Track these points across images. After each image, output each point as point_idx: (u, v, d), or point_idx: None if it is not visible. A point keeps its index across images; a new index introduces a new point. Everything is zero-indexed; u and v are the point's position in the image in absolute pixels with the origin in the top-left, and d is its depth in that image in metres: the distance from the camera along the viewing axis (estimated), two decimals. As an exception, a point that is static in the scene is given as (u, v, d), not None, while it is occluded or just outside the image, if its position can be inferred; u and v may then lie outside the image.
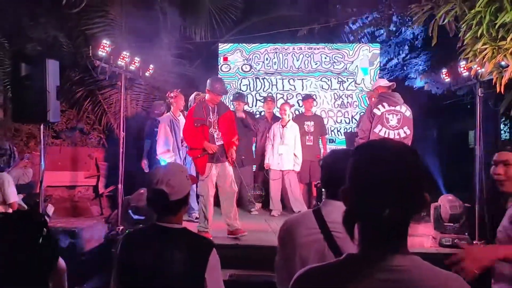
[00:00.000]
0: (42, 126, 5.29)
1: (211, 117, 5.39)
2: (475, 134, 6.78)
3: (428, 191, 1.07)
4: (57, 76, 5.09)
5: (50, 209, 6.44)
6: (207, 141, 5.34)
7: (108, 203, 8.44)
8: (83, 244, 5.77)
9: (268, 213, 7.08)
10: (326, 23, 8.46)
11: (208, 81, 5.55)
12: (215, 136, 5.39)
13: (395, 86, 5.94)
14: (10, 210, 4.50)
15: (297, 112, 7.85)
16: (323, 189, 2.10)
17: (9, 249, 1.02)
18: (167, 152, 6.52)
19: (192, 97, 7.05)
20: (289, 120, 6.97)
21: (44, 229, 1.12)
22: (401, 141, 1.11)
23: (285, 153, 6.86)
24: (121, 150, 6.60)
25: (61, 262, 1.81)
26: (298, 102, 8.09)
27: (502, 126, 11.61)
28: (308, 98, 7.52)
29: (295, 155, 6.92)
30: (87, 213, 7.86)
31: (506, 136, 12.37)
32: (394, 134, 5.56)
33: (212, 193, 5.44)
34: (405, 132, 5.57)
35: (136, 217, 5.64)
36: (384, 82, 6.01)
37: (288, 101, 8.09)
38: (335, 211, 1.90)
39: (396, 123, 5.55)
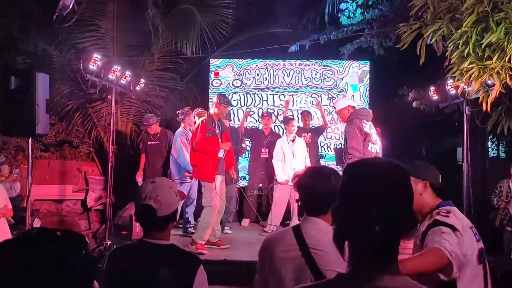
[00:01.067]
0: (30, 139, 5.26)
1: (217, 131, 5.74)
2: (463, 151, 6.88)
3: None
4: (46, 90, 5.08)
5: (37, 223, 6.38)
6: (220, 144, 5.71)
7: (97, 218, 8.37)
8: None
9: (260, 228, 7.04)
10: (317, 40, 8.54)
11: (215, 97, 6.04)
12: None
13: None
14: None
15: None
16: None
17: (46, 267, 0.97)
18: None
19: (180, 111, 7.06)
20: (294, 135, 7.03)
21: (83, 250, 1.07)
22: (391, 160, 1.14)
23: (298, 167, 6.82)
24: (110, 164, 6.58)
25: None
26: (298, 116, 8.11)
27: (489, 143, 11.75)
28: (304, 112, 7.76)
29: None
30: (74, 227, 7.78)
31: (493, 153, 12.51)
32: (376, 148, 5.64)
33: (219, 206, 5.71)
34: (379, 146, 5.73)
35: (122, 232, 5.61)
36: (351, 102, 6.34)
37: (278, 116, 8.16)
38: (314, 228, 1.94)
39: (375, 138, 5.64)
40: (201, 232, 5.55)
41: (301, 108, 8.19)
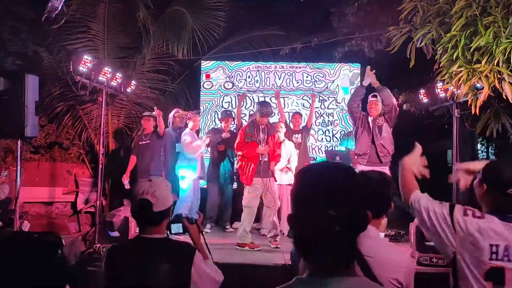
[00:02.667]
0: (19, 141, 5.22)
1: (260, 136, 5.93)
2: (452, 153, 6.92)
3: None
4: (36, 91, 5.04)
5: (26, 226, 6.31)
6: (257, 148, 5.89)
7: (87, 220, 8.30)
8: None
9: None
10: (308, 42, 8.57)
11: (256, 105, 6.37)
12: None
13: None
14: None
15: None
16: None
17: (18, 270, 0.98)
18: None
19: (171, 114, 7.05)
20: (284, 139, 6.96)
21: (59, 251, 1.07)
22: (339, 162, 1.15)
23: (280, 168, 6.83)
24: (100, 166, 6.54)
25: None
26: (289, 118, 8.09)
27: (479, 146, 11.85)
28: (295, 114, 7.67)
29: (289, 169, 6.91)
30: (64, 230, 7.71)
31: (483, 155, 12.61)
32: None
33: (256, 205, 5.91)
34: None
35: (112, 234, 5.56)
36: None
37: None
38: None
39: None
40: (245, 232, 5.81)
41: (292, 111, 8.21)
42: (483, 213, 2.02)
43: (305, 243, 1.13)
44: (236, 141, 6.00)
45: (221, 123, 7.45)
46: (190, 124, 6.64)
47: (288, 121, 7.79)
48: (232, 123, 7.48)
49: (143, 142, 7.07)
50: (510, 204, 1.99)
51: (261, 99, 8.34)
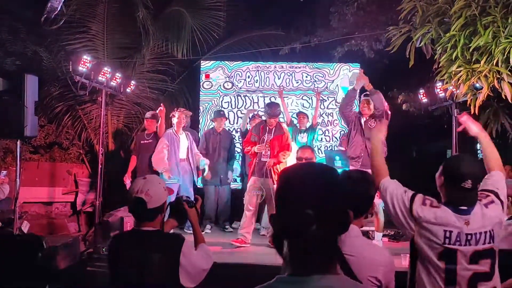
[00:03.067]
0: (18, 142, 5.22)
1: (266, 136, 6.04)
2: (452, 153, 6.93)
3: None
4: (35, 92, 5.05)
5: (26, 226, 6.30)
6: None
7: (87, 220, 8.30)
8: (57, 262, 5.65)
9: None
10: (308, 42, 8.57)
11: (264, 107, 6.52)
12: (263, 153, 6.02)
13: None
14: None
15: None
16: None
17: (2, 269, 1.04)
18: (165, 166, 6.44)
19: (173, 113, 7.02)
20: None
21: (39, 253, 1.15)
22: (319, 162, 1.22)
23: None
24: (100, 166, 6.54)
25: None
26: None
27: (478, 145, 11.85)
28: (300, 113, 7.63)
29: None
30: (63, 230, 7.72)
31: (481, 155, 12.60)
32: None
33: (252, 205, 5.92)
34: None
35: (113, 234, 5.56)
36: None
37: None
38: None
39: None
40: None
41: (292, 111, 8.21)
42: (440, 204, 2.26)
43: (283, 242, 1.13)
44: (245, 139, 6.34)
45: (213, 123, 7.43)
46: (174, 120, 6.59)
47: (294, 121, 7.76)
48: (225, 122, 7.49)
49: (145, 142, 6.98)
50: (463, 196, 2.23)
51: (261, 99, 8.36)
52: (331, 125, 8.36)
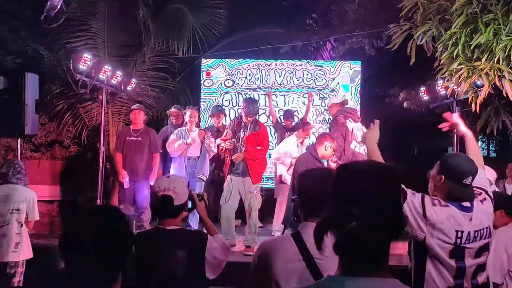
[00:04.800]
0: (19, 140, 5.23)
1: (241, 133, 5.84)
2: (453, 151, 6.92)
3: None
4: (36, 90, 5.06)
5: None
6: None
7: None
8: (59, 262, 5.66)
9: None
10: (308, 40, 8.56)
11: (241, 103, 6.28)
12: (239, 150, 5.83)
13: (347, 102, 6.11)
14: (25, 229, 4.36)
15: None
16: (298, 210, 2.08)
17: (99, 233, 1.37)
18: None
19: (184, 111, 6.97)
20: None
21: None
22: (384, 163, 1.22)
23: None
24: (100, 165, 6.55)
25: None
26: (280, 118, 8.05)
27: (480, 143, 11.84)
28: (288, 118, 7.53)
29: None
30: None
31: (484, 153, 12.61)
32: (362, 149, 5.67)
33: (229, 205, 5.83)
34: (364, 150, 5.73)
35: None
36: (337, 99, 6.31)
37: (270, 116, 8.14)
38: None
39: (360, 140, 5.67)
40: (254, 235, 5.85)
41: (293, 109, 8.20)
42: (447, 202, 2.30)
43: (340, 241, 1.11)
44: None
45: (211, 119, 7.39)
46: (187, 118, 6.39)
47: (280, 120, 7.74)
48: (224, 118, 7.43)
49: (132, 138, 6.46)
50: (465, 193, 2.31)
51: (262, 97, 8.34)
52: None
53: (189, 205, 2.60)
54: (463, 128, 2.74)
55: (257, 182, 5.90)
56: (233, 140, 5.81)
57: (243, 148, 5.79)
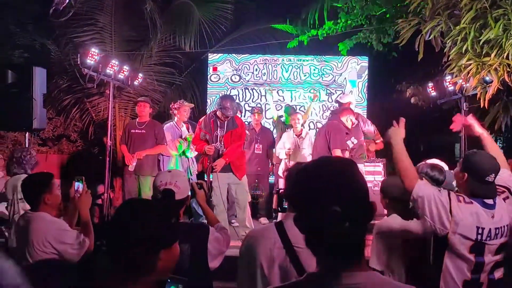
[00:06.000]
0: (27, 134, 5.26)
1: (218, 132, 5.57)
2: (460, 147, 6.89)
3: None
4: (44, 84, 5.08)
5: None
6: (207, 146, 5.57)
7: (96, 213, 8.34)
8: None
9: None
10: (316, 35, 8.51)
11: (218, 99, 5.98)
12: (220, 152, 5.57)
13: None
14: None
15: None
16: (284, 201, 2.23)
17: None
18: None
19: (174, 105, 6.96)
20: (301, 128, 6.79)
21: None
22: (339, 157, 1.22)
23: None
24: (107, 159, 6.57)
25: None
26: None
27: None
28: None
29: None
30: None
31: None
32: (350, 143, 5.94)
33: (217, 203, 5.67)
34: (352, 142, 5.92)
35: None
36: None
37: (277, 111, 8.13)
38: None
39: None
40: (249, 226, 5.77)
41: (299, 104, 8.18)
42: (470, 199, 2.32)
43: (314, 241, 1.12)
44: (193, 136, 5.81)
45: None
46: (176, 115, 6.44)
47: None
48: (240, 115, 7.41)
49: (137, 131, 6.39)
50: (488, 190, 2.33)
51: (268, 92, 8.32)
52: (338, 118, 8.32)
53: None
54: (478, 129, 2.76)
55: (243, 176, 5.75)
56: (212, 144, 5.54)
57: (223, 148, 5.57)
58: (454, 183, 3.51)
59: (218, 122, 5.58)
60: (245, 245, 2.03)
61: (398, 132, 2.51)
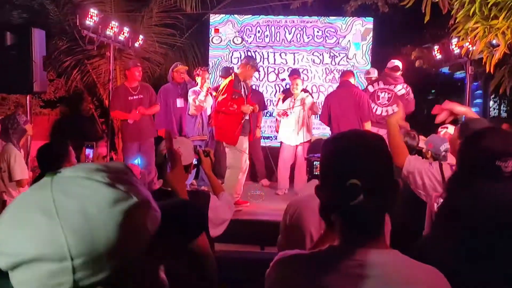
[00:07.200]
0: (28, 97, 5.24)
1: (244, 92, 5.52)
2: (464, 112, 6.85)
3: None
4: (43, 46, 5.01)
5: None
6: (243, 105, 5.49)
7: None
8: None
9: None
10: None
11: (244, 59, 5.83)
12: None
13: (399, 68, 6.00)
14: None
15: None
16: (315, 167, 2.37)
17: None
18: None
19: (170, 68, 6.86)
20: (299, 93, 6.47)
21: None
22: (365, 130, 1.23)
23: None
24: (110, 121, 6.57)
25: None
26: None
27: (491, 103, 11.68)
28: (293, 75, 6.99)
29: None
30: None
31: (495, 112, 12.46)
32: (382, 111, 5.63)
33: (245, 167, 5.71)
34: (393, 110, 5.63)
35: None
36: (389, 63, 6.21)
37: (279, 74, 8.06)
38: None
39: (386, 101, 5.62)
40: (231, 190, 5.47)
41: (302, 67, 8.08)
42: None
43: (330, 214, 1.12)
44: (221, 97, 5.47)
45: (222, 80, 7.28)
46: (199, 80, 6.25)
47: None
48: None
49: (134, 98, 6.00)
50: None
51: (271, 55, 8.23)
52: (341, 81, 8.24)
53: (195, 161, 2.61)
54: (460, 108, 2.71)
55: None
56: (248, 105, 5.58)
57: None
58: (442, 148, 3.54)
59: (242, 84, 5.53)
60: (291, 214, 2.17)
61: (393, 118, 2.64)
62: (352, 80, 6.20)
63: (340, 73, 8.06)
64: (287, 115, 6.33)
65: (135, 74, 6.00)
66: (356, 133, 1.22)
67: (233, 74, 5.65)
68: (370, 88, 5.82)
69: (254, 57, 7.81)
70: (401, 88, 5.77)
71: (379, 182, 1.07)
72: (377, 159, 1.11)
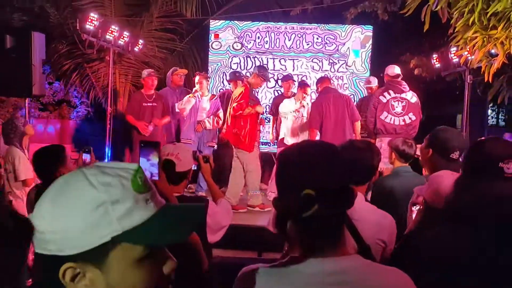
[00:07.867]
0: (27, 100, 5.24)
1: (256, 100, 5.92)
2: (462, 119, 6.88)
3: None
4: (42, 49, 5.02)
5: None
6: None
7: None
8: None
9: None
10: (320, 3, 8.35)
11: (256, 68, 6.14)
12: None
13: (401, 74, 5.99)
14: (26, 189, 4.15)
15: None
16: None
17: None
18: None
19: (169, 72, 6.89)
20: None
21: None
22: (319, 140, 1.22)
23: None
24: (108, 126, 6.57)
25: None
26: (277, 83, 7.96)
27: (489, 111, 11.73)
28: (288, 80, 7.18)
29: None
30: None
31: (493, 121, 12.51)
32: (399, 120, 5.65)
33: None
34: (410, 118, 5.69)
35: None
36: (391, 71, 6.03)
37: (279, 81, 8.07)
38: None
39: (401, 110, 5.63)
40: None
41: (302, 73, 8.10)
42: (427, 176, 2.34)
43: (285, 226, 1.12)
44: (239, 102, 5.64)
45: (229, 84, 7.31)
46: (197, 86, 6.29)
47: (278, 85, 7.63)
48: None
49: (148, 104, 6.29)
50: (451, 168, 2.23)
51: (270, 61, 8.24)
52: (341, 88, 8.24)
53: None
54: None
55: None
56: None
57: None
58: None
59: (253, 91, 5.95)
60: None
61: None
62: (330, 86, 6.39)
63: (339, 79, 8.11)
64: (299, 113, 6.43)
65: (149, 83, 6.37)
66: (309, 144, 1.26)
67: (247, 83, 5.89)
68: (383, 99, 5.72)
69: (262, 64, 7.90)
70: (412, 96, 5.74)
71: (334, 191, 1.08)
72: (331, 168, 1.11)
